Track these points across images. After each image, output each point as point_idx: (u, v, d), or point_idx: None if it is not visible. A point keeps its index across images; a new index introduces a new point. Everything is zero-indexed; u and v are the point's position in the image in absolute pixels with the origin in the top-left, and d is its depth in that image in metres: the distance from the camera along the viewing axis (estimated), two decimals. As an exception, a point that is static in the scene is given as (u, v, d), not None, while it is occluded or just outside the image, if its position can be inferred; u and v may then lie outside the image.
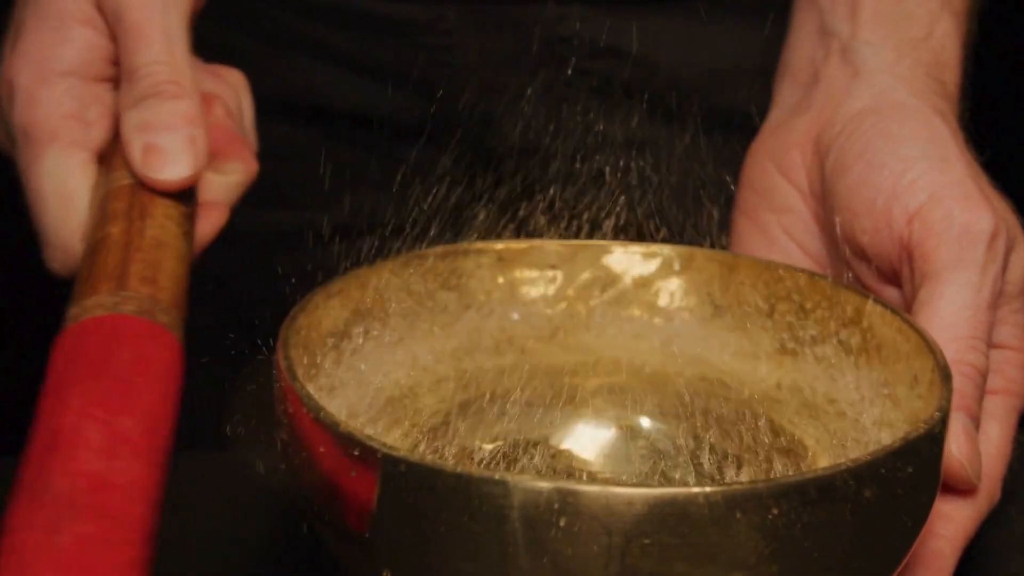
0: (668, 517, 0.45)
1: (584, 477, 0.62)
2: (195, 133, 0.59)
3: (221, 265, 0.86)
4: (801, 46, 0.68)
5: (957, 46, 0.66)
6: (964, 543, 0.57)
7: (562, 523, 0.45)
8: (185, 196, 0.61)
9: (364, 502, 0.48)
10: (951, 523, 0.56)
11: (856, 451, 0.58)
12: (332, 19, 0.80)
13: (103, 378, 0.50)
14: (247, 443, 0.61)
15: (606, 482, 0.52)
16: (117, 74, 0.62)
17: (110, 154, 0.62)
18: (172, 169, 0.59)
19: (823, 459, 0.59)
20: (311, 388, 0.56)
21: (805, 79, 0.67)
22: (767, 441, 0.62)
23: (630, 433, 0.64)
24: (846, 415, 0.60)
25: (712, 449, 0.62)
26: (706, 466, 0.62)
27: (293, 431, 0.51)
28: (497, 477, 0.46)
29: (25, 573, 0.44)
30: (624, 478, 0.62)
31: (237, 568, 0.61)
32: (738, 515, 0.46)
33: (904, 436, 0.49)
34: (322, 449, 0.49)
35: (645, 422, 0.64)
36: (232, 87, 0.68)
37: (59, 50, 0.62)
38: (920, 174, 0.60)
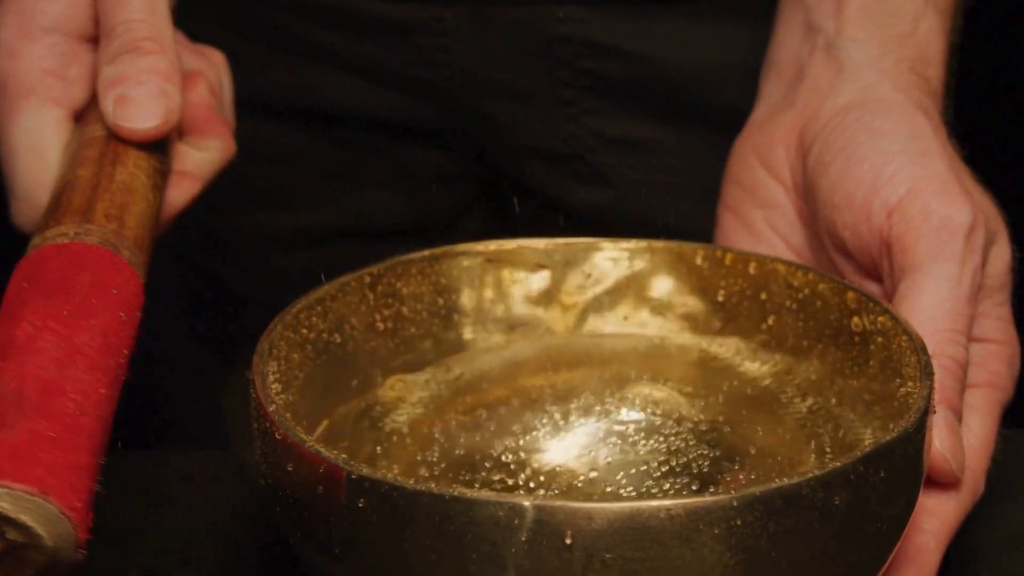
0: (629, 532, 0.45)
1: (570, 482, 0.62)
2: (167, 88, 0.60)
3: (220, 265, 0.86)
4: (786, 42, 0.68)
5: (942, 42, 0.66)
6: (949, 537, 0.56)
7: (523, 538, 0.45)
8: (157, 151, 0.61)
9: (331, 518, 0.48)
10: (935, 518, 0.56)
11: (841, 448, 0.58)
12: (330, 20, 0.80)
13: (61, 295, 0.51)
14: (245, 443, 0.61)
15: (566, 497, 0.52)
16: (99, 34, 0.62)
17: (87, 112, 0.63)
18: (143, 119, 0.60)
19: (811, 457, 0.59)
20: (290, 400, 0.56)
21: (790, 75, 0.67)
22: (762, 439, 0.61)
23: (624, 431, 0.63)
24: (835, 410, 0.59)
25: (705, 447, 0.62)
26: (698, 466, 0.62)
27: (265, 446, 0.51)
28: (456, 494, 0.46)
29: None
30: (616, 479, 0.62)
31: (236, 567, 0.61)
32: (701, 528, 0.45)
33: (875, 441, 0.49)
34: (290, 466, 0.49)
35: (637, 419, 0.63)
36: (215, 66, 0.69)
37: (44, 5, 0.63)
38: (899, 168, 0.60)
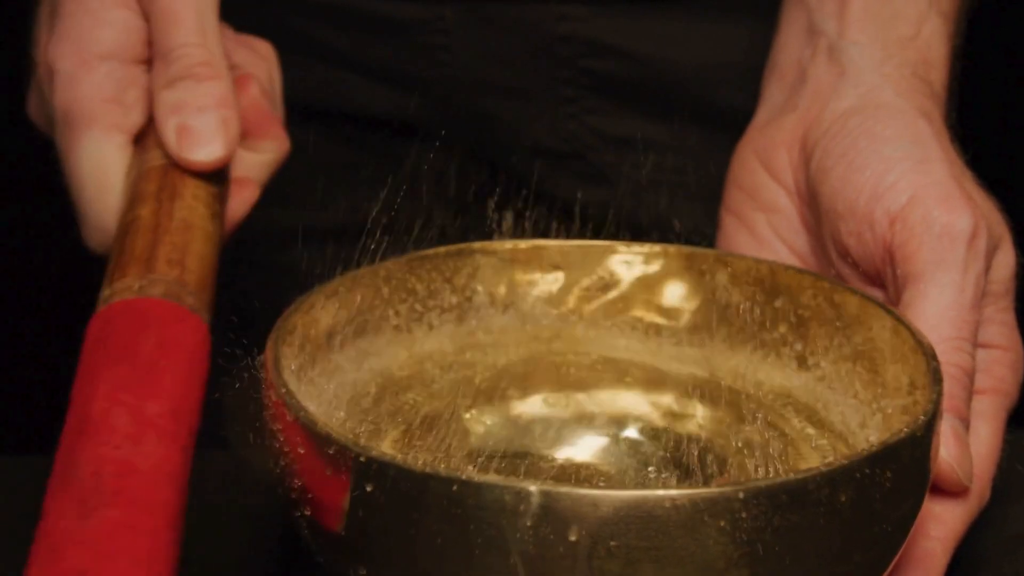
0: (634, 520, 0.45)
1: (577, 479, 0.62)
2: (227, 115, 0.61)
3: (224, 264, 0.86)
4: (789, 45, 0.68)
5: (945, 46, 0.66)
6: (955, 544, 0.56)
7: (528, 524, 0.45)
8: (216, 176, 0.62)
9: (338, 501, 0.48)
10: (942, 524, 0.56)
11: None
12: (330, 18, 0.80)
13: (130, 362, 0.51)
14: (247, 443, 0.61)
15: (573, 483, 0.52)
16: (152, 55, 0.63)
17: (145, 135, 0.63)
18: (205, 150, 0.60)
19: (816, 460, 0.59)
20: (302, 387, 0.57)
21: (792, 78, 0.67)
22: (771, 443, 0.61)
23: (632, 434, 0.63)
24: (844, 414, 0.59)
25: (714, 450, 0.62)
26: (707, 467, 0.62)
27: (275, 428, 0.52)
28: (464, 477, 0.46)
29: (55, 557, 0.45)
30: (622, 481, 0.62)
31: (236, 567, 0.61)
32: (706, 519, 0.46)
33: (883, 441, 0.49)
34: (300, 448, 0.50)
35: (648, 423, 0.63)
36: (264, 60, 0.69)
37: (98, 32, 0.63)
38: (901, 175, 0.60)
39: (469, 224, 0.85)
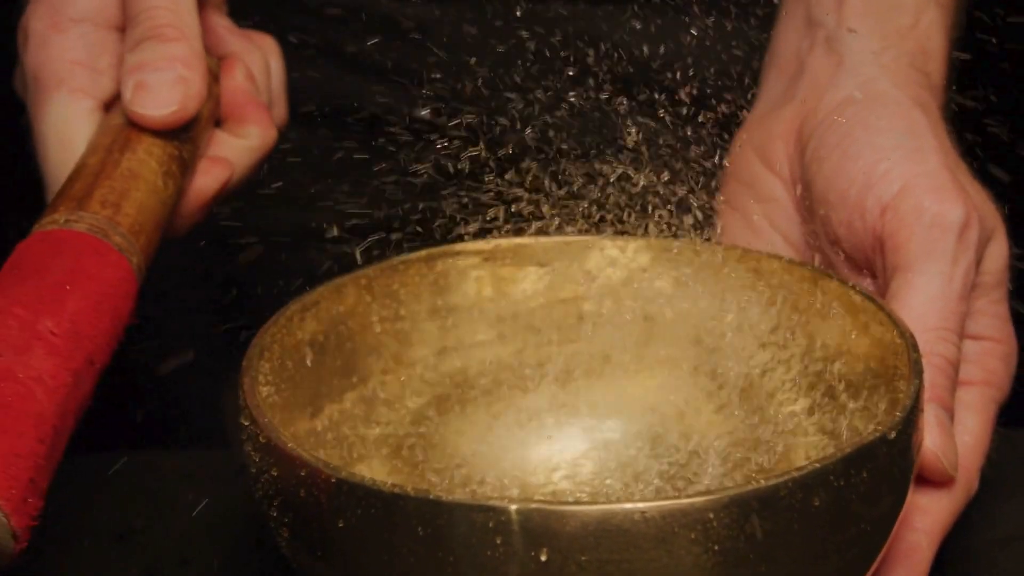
0: (604, 534, 0.45)
1: (568, 480, 0.62)
2: (186, 74, 0.60)
3: (225, 264, 0.86)
4: (787, 36, 0.68)
5: (943, 37, 0.65)
6: (941, 535, 0.56)
7: (498, 541, 0.45)
8: (175, 139, 0.61)
9: (314, 521, 0.48)
10: (928, 516, 0.55)
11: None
12: (334, 19, 0.80)
13: (35, 282, 0.51)
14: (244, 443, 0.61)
15: (542, 500, 0.52)
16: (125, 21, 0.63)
17: (115, 101, 0.63)
18: (158, 105, 0.60)
19: (805, 456, 0.59)
20: (283, 402, 0.57)
21: (791, 70, 0.67)
22: (757, 436, 0.61)
23: (621, 430, 0.63)
24: (830, 407, 0.59)
25: (700, 446, 0.62)
26: (701, 464, 0.61)
27: (252, 449, 0.52)
28: (432, 498, 0.46)
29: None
30: (617, 479, 0.62)
31: (236, 567, 0.62)
32: (676, 530, 0.45)
33: (856, 442, 0.48)
34: (275, 469, 0.50)
35: (634, 418, 0.63)
36: (261, 50, 0.69)
37: None
38: (893, 165, 0.60)
39: (472, 225, 0.85)
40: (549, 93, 0.80)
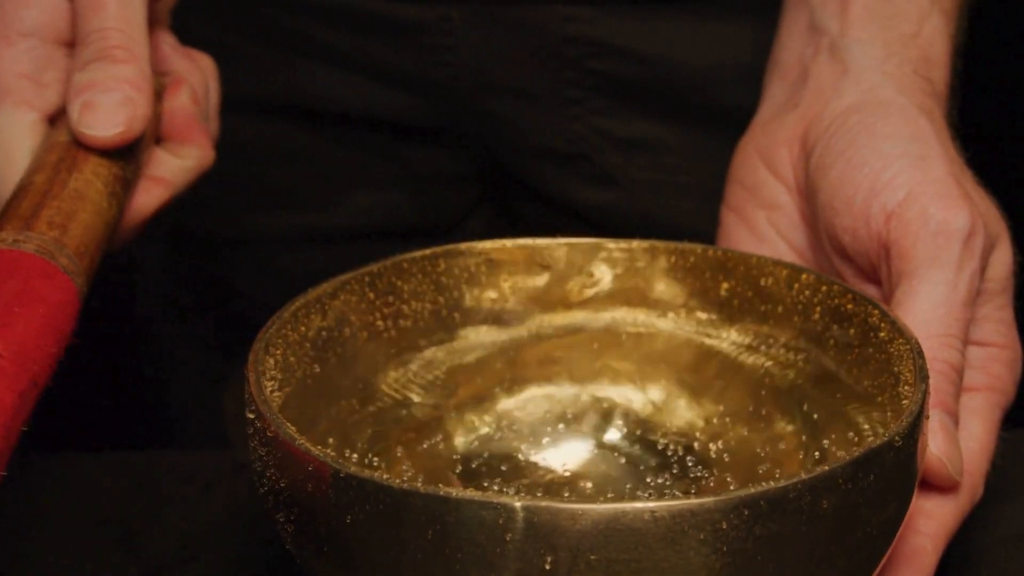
0: (614, 533, 0.45)
1: (568, 481, 0.62)
2: (134, 96, 0.60)
3: (225, 266, 0.86)
4: (791, 43, 0.68)
5: (946, 44, 0.66)
6: (946, 540, 0.56)
7: (507, 538, 0.45)
8: (120, 159, 0.61)
9: (320, 516, 0.48)
10: (932, 520, 0.55)
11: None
12: (335, 20, 0.80)
13: None
14: (245, 443, 0.61)
15: (550, 498, 0.52)
16: (75, 39, 0.63)
17: (60, 117, 0.63)
18: (105, 126, 0.60)
19: (809, 460, 0.59)
20: (287, 398, 0.57)
21: (794, 76, 0.67)
22: (761, 442, 0.61)
23: (625, 432, 0.63)
24: (833, 413, 0.59)
25: (703, 449, 0.62)
26: (704, 467, 0.61)
27: (258, 444, 0.51)
28: (442, 494, 0.46)
29: None
30: (616, 479, 0.62)
31: (236, 567, 0.61)
32: (686, 530, 0.45)
33: (865, 446, 0.48)
34: (281, 464, 0.50)
35: (636, 421, 0.63)
36: (201, 71, 0.69)
37: (23, 11, 0.63)
38: (898, 172, 0.60)
39: (474, 226, 0.86)
40: (549, 93, 0.80)
